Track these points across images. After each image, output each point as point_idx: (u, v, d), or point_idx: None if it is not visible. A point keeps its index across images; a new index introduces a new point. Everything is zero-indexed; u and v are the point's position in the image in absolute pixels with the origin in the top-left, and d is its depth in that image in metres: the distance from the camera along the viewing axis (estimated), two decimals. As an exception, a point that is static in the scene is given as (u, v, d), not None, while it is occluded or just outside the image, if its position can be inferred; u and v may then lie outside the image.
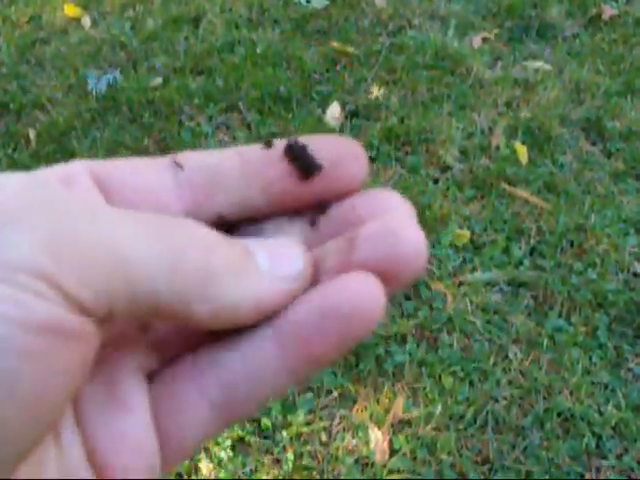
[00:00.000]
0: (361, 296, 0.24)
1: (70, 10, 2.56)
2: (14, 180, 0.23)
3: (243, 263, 0.25)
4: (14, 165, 1.94)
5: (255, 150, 0.29)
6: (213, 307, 0.24)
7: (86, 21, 2.53)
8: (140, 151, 1.95)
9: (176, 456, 0.26)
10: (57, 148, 1.99)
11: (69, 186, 0.27)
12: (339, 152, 0.28)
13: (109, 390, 0.26)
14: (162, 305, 0.23)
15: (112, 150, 1.96)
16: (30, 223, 0.21)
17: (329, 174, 0.28)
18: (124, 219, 0.23)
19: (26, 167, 1.92)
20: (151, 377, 0.27)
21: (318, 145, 0.28)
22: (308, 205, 0.29)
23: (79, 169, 0.28)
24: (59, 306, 0.20)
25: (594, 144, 1.95)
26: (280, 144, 0.28)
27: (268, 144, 0.29)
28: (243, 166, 0.29)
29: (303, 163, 0.28)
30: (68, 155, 1.96)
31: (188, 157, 0.29)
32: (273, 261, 0.26)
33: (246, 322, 0.25)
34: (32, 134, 2.03)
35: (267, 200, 0.28)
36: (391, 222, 0.25)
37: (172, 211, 0.28)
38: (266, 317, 0.25)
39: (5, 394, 0.19)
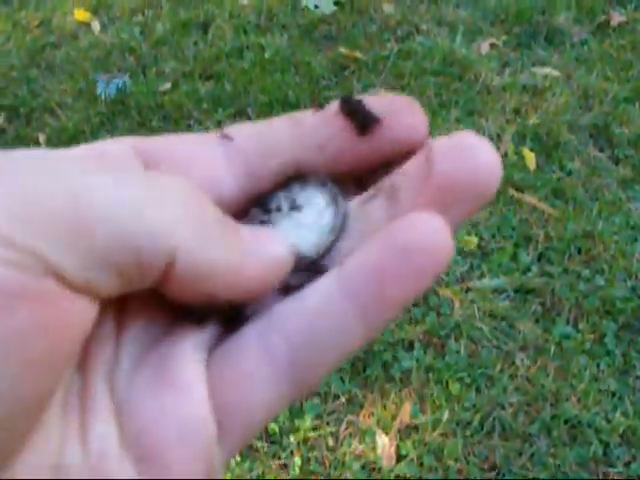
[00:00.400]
0: (429, 238, 0.23)
1: (80, 15, 2.57)
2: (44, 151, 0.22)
3: (228, 229, 0.24)
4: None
5: (307, 114, 0.28)
6: (196, 264, 0.22)
7: (96, 26, 2.54)
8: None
9: (238, 437, 0.24)
10: (66, 152, 2.00)
11: (102, 157, 0.26)
12: (396, 106, 0.27)
13: (160, 365, 0.24)
14: (135, 254, 0.21)
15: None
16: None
17: (389, 127, 0.27)
18: (92, 170, 0.21)
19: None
20: (210, 350, 0.25)
21: (374, 101, 0.27)
22: (368, 166, 0.27)
23: (122, 144, 0.27)
24: (9, 266, 0.19)
25: (602, 150, 1.94)
26: (333, 105, 0.27)
27: (320, 107, 0.28)
28: (295, 128, 0.28)
29: (360, 117, 0.27)
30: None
31: (238, 128, 0.28)
32: (255, 238, 0.25)
33: (219, 293, 0.23)
34: (42, 138, 2.04)
35: (324, 160, 0.27)
36: (465, 139, 0.24)
37: (225, 183, 0.27)
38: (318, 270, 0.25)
39: None
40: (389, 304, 0.23)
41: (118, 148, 0.27)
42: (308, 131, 0.27)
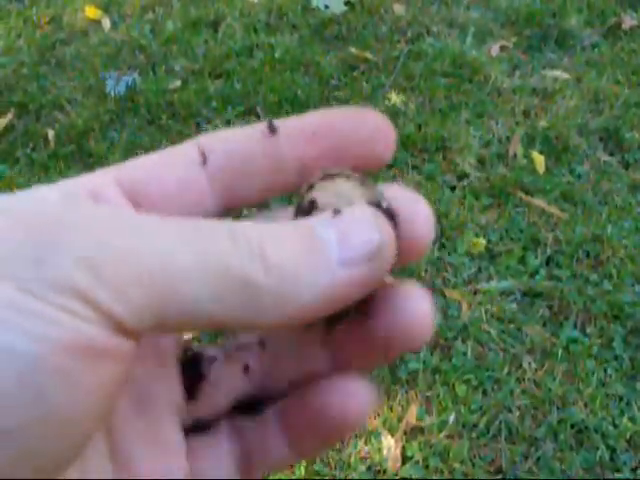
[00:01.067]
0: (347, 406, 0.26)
1: (90, 12, 2.58)
2: (48, 195, 0.23)
3: (306, 254, 0.23)
4: (32, 164, 1.95)
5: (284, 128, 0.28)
6: (278, 316, 0.22)
7: (106, 23, 2.54)
8: (157, 153, 1.96)
9: None
10: (75, 149, 2.00)
11: (97, 200, 0.26)
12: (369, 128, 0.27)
13: (152, 426, 0.26)
14: (212, 320, 0.22)
15: (130, 151, 1.97)
16: (69, 241, 0.21)
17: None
18: (160, 229, 0.22)
19: (44, 167, 1.94)
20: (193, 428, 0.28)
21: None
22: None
23: (106, 180, 0.27)
24: (92, 324, 0.20)
25: (612, 154, 1.94)
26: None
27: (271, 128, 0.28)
28: (271, 148, 0.28)
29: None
30: (86, 156, 1.98)
31: (212, 144, 0.28)
32: (343, 242, 0.23)
33: (315, 317, 0.23)
34: (51, 134, 2.04)
35: (301, 178, 0.28)
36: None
37: (207, 203, 0.28)
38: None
39: (36, 412, 0.19)
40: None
41: (103, 183, 0.27)
42: (287, 152, 0.28)
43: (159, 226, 0.22)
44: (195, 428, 0.28)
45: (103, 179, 0.27)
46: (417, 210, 0.26)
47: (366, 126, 0.27)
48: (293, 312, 0.22)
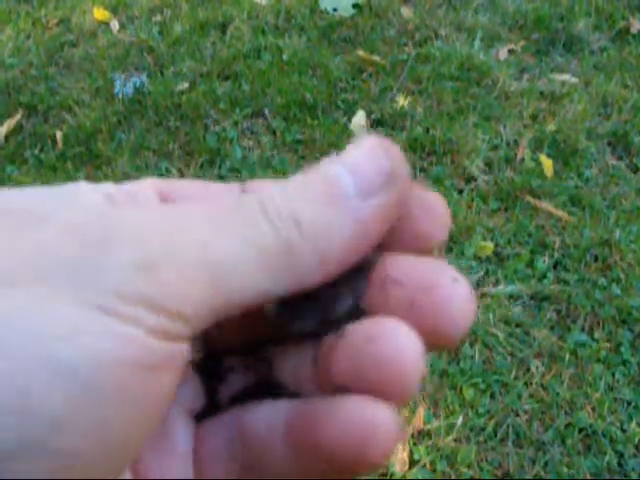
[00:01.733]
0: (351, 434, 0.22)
1: (99, 14, 2.58)
2: (92, 197, 0.23)
3: (328, 202, 0.23)
4: (40, 165, 1.95)
5: None
6: (317, 275, 0.23)
7: (114, 25, 2.55)
8: (165, 155, 1.97)
9: None
10: (83, 150, 2.01)
11: (134, 202, 0.27)
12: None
13: (160, 427, 0.25)
14: (266, 296, 0.22)
15: (137, 153, 1.97)
16: (120, 244, 0.20)
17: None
18: (200, 222, 0.22)
19: (52, 168, 1.94)
20: (199, 417, 0.27)
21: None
22: None
23: (146, 185, 0.28)
24: (153, 333, 0.20)
25: (620, 158, 1.93)
26: None
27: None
28: None
29: None
30: (94, 157, 1.98)
31: (257, 187, 0.28)
32: (358, 180, 0.24)
33: (357, 253, 0.24)
34: (59, 135, 2.05)
35: None
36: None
37: None
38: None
39: (95, 436, 0.19)
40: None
41: (146, 189, 0.28)
42: None
43: (198, 219, 0.22)
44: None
45: (143, 184, 0.28)
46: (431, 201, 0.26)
47: (424, 205, 0.26)
48: (334, 261, 0.23)
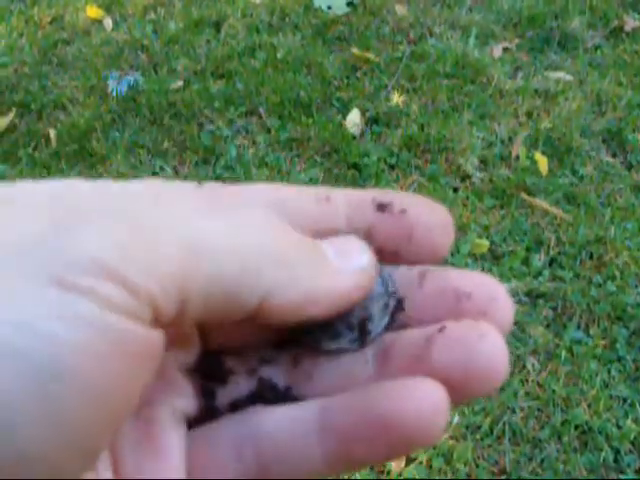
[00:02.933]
0: (421, 408, 0.22)
1: (92, 12, 2.57)
2: (86, 185, 0.23)
3: (315, 254, 0.24)
4: (34, 164, 1.95)
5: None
6: (290, 297, 0.23)
7: (108, 23, 2.54)
8: (159, 153, 1.96)
9: None
10: (77, 148, 2.00)
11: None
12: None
13: (146, 430, 0.24)
14: (233, 295, 0.21)
15: (131, 151, 1.97)
16: (99, 224, 0.20)
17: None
18: (195, 214, 0.22)
19: (46, 166, 1.93)
20: (192, 422, 0.26)
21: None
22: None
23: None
24: (122, 311, 0.19)
25: (615, 156, 1.94)
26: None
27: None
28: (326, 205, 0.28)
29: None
30: (88, 156, 1.97)
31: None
32: (340, 255, 0.25)
33: (318, 315, 0.24)
34: (52, 134, 2.04)
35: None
36: (472, 331, 0.23)
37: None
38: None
39: (49, 424, 0.18)
40: (356, 460, 0.23)
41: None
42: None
43: (186, 204, 0.23)
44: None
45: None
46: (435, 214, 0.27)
47: (433, 217, 0.27)
48: (325, 289, 0.24)
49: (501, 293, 0.25)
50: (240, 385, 0.27)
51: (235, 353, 0.27)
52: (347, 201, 0.27)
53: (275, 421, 0.24)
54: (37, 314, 0.18)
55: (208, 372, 0.27)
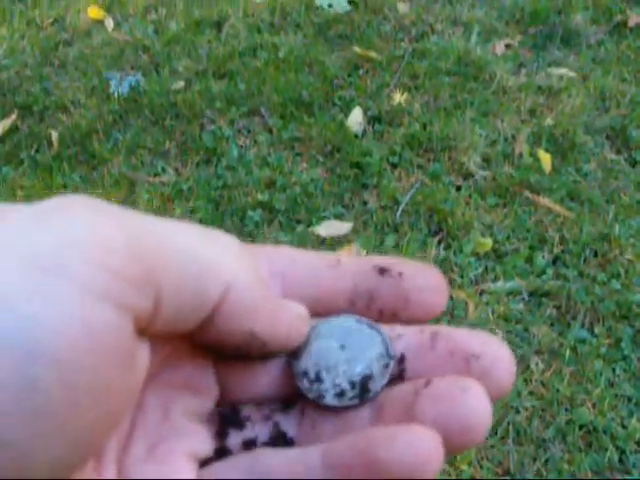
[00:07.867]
0: (414, 454, 0.22)
1: (93, 13, 2.57)
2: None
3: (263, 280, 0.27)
4: (36, 166, 1.94)
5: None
6: (244, 299, 0.25)
7: (109, 24, 2.54)
8: (161, 154, 1.96)
9: None
10: (79, 150, 2.00)
11: None
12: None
13: (159, 471, 0.25)
14: (198, 289, 0.23)
15: (133, 152, 1.96)
16: (84, 215, 0.21)
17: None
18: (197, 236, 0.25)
19: (48, 168, 1.93)
20: (204, 463, 0.27)
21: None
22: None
23: None
24: (105, 300, 0.19)
25: (619, 153, 1.92)
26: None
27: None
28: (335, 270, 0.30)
29: None
30: (90, 157, 1.97)
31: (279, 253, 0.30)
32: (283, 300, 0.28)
33: (259, 333, 0.26)
34: (54, 136, 2.04)
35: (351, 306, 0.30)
36: (455, 385, 0.24)
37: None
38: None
39: (28, 404, 0.18)
40: None
41: None
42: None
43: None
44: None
45: None
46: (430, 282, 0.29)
47: (426, 280, 0.29)
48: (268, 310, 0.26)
49: (505, 354, 0.27)
50: (254, 429, 0.28)
51: (250, 403, 0.29)
52: (354, 266, 0.29)
53: (281, 461, 0.26)
54: (19, 295, 0.18)
55: (226, 420, 0.29)
